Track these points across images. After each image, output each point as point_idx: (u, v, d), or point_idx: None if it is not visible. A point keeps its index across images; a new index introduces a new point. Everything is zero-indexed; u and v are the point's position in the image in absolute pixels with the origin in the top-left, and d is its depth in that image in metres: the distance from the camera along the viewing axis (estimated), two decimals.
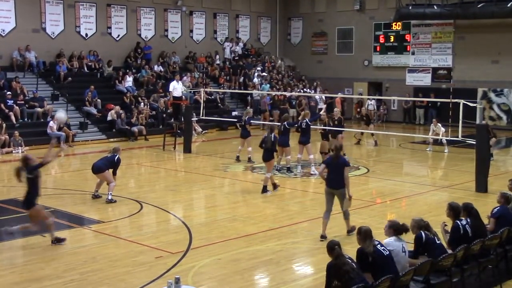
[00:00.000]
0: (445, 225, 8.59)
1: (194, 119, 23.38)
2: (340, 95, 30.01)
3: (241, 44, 33.57)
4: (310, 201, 13.95)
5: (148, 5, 29.95)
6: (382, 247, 7.08)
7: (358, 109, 30.99)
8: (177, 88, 23.09)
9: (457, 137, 16.58)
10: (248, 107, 25.87)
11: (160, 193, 14.71)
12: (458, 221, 8.21)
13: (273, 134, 14.58)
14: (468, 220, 8.29)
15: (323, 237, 10.52)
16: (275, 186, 14.65)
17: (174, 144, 21.91)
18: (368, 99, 30.02)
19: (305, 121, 17.01)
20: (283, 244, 10.50)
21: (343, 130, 19.27)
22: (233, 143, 22.53)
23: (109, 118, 24.40)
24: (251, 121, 19.78)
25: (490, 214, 9.05)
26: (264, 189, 14.41)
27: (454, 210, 8.33)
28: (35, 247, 10.24)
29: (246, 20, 34.57)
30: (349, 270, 6.46)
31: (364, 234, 7.08)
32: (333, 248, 6.70)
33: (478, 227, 8.32)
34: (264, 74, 31.47)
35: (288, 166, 17.24)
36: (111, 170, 13.53)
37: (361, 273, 6.66)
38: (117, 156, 13.58)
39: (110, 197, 13.36)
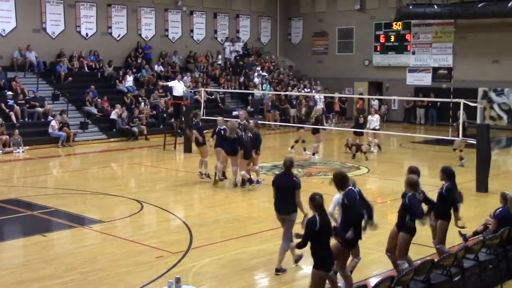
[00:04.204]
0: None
1: None
2: (337, 94, 29.94)
3: (240, 44, 33.52)
4: None
5: (149, 5, 29.93)
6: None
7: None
8: (178, 87, 23.04)
9: (458, 136, 16.56)
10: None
11: (160, 193, 14.71)
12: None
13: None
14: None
15: (278, 270, 8.90)
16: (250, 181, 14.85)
17: (174, 144, 21.90)
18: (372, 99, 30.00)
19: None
20: None
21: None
22: None
23: (112, 116, 24.27)
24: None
25: (493, 215, 9.05)
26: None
27: (446, 173, 9.09)
28: (35, 247, 10.24)
29: (246, 20, 34.55)
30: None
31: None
32: (319, 200, 7.01)
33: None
34: (264, 73, 31.42)
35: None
36: None
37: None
38: None
39: None
